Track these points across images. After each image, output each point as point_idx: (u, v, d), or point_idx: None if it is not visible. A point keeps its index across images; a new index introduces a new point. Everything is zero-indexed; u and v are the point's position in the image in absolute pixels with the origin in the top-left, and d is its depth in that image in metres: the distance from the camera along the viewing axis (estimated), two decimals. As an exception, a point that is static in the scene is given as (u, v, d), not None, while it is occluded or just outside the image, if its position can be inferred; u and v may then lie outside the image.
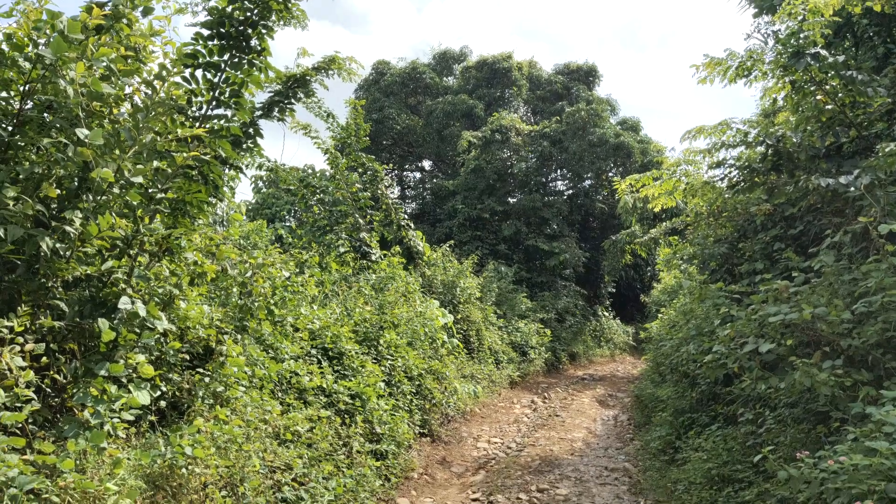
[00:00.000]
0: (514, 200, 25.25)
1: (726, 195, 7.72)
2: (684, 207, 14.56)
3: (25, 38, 3.93)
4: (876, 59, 7.66)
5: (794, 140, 6.32)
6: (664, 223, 16.13)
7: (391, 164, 27.89)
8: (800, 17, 5.94)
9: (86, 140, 3.55)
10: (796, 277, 5.76)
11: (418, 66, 28.95)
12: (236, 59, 5.20)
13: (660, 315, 15.07)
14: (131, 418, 4.19)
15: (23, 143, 3.95)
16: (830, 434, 5.29)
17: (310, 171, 15.19)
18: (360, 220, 13.55)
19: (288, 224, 18.15)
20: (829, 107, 6.30)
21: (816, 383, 5.00)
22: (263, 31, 5.20)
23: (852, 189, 5.33)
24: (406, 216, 16.60)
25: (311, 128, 14.50)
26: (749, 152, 7.07)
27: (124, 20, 4.87)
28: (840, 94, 6.11)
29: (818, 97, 6.30)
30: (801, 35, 5.91)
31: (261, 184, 18.87)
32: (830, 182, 5.48)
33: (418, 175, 31.06)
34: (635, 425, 12.61)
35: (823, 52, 5.83)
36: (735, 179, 7.34)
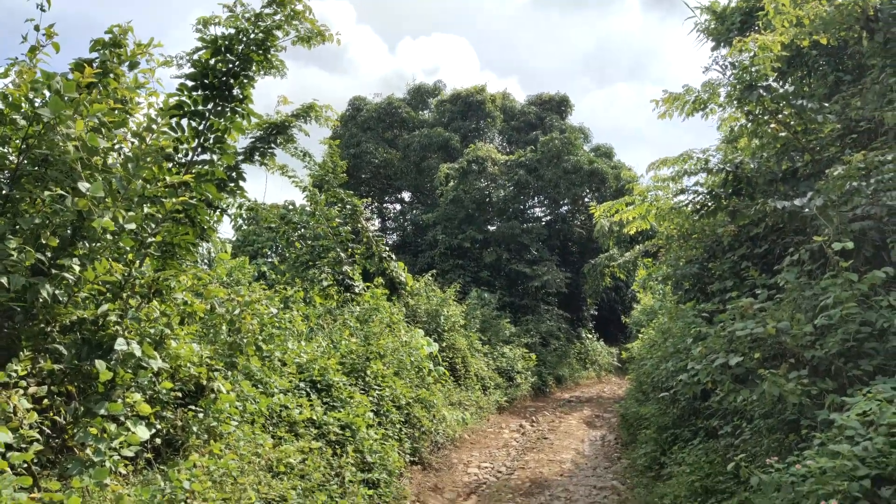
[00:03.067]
0: (494, 228, 25.62)
1: (693, 219, 8.08)
2: (657, 230, 15.01)
3: (21, 97, 4.17)
4: (827, 87, 8.13)
5: (752, 166, 6.71)
6: (640, 245, 16.55)
7: (371, 197, 28.20)
8: (751, 53, 6.35)
9: (86, 193, 3.78)
10: (760, 294, 6.09)
11: (394, 101, 29.47)
12: (220, 108, 5.47)
13: (640, 335, 15.38)
14: (131, 454, 4.35)
15: (20, 196, 4.17)
16: (801, 441, 5.55)
17: (290, 206, 15.40)
18: (342, 254, 13.77)
19: (270, 260, 18.29)
20: (783, 134, 6.71)
21: (784, 393, 5.28)
22: (245, 80, 5.48)
23: (807, 210, 5.69)
24: (387, 248, 16.83)
25: (288, 167, 14.76)
26: (711, 178, 7.45)
27: (111, 74, 5.14)
28: (792, 122, 6.52)
29: (772, 126, 6.70)
30: (753, 69, 6.33)
31: (241, 221, 19.05)
32: (787, 204, 5.84)
33: (398, 207, 31.39)
34: (622, 444, 12.82)
35: (774, 85, 6.25)
36: (699, 204, 7.70)
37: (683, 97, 6.98)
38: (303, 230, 13.96)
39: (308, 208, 14.71)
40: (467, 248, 24.24)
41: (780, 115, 6.55)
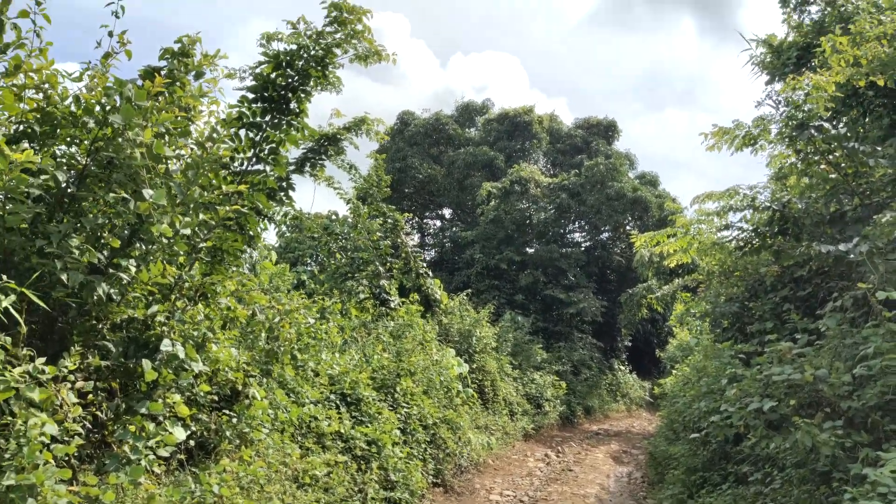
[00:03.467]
0: (532, 251, 25.57)
1: (736, 256, 7.98)
2: (699, 264, 14.79)
3: (94, 102, 4.40)
4: (882, 130, 7.98)
5: (800, 206, 6.61)
6: (680, 279, 16.32)
7: (412, 212, 28.46)
8: (804, 91, 6.29)
9: (149, 199, 3.97)
10: (800, 339, 5.97)
11: (441, 117, 29.80)
12: (276, 120, 5.67)
13: (674, 371, 15.12)
14: (167, 455, 4.49)
15: (84, 196, 4.38)
16: (832, 494, 5.41)
17: (334, 217, 15.69)
18: (381, 268, 13.93)
19: (310, 269, 18.60)
20: (833, 176, 6.61)
21: (818, 443, 5.16)
22: (303, 95, 5.68)
23: (852, 256, 5.59)
24: (424, 264, 16.96)
25: (334, 179, 15.06)
26: (757, 215, 7.36)
27: (178, 83, 5.38)
28: (843, 164, 6.42)
29: (822, 166, 6.61)
30: (806, 108, 6.27)
31: (285, 228, 19.44)
32: (832, 249, 5.75)
33: (438, 223, 31.62)
34: (649, 483, 12.57)
35: (827, 125, 6.16)
36: (743, 241, 7.61)
37: (733, 132, 6.93)
38: (344, 241, 14.18)
39: (350, 220, 14.96)
40: (504, 269, 24.23)
41: (831, 157, 6.46)
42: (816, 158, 6.61)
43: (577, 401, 21.46)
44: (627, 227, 26.55)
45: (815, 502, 5.60)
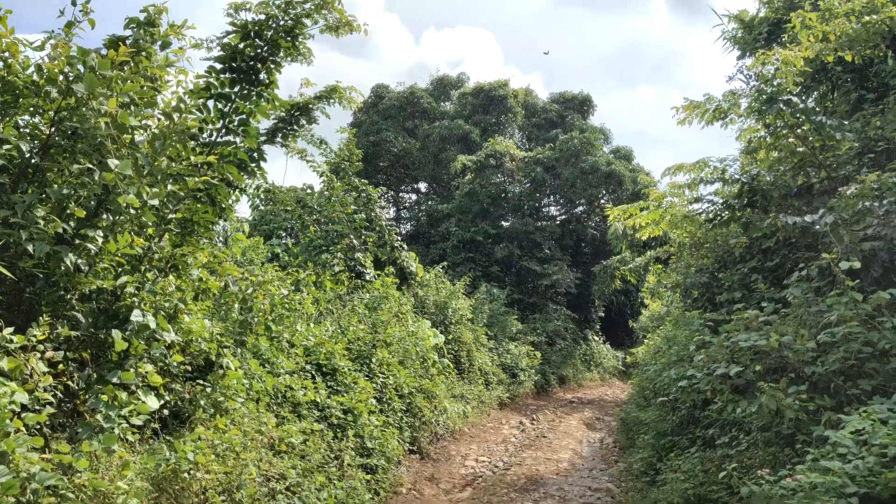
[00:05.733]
0: (508, 224, 25.68)
1: (706, 228, 8.11)
2: (670, 237, 15.01)
3: (57, 71, 4.30)
4: (849, 104, 8.12)
5: (768, 179, 6.73)
6: (652, 251, 16.55)
7: (387, 186, 28.31)
8: (774, 66, 6.37)
9: (115, 169, 3.91)
10: (766, 307, 6.13)
11: (416, 90, 29.53)
12: (245, 91, 5.59)
13: (646, 340, 15.41)
14: (140, 423, 4.49)
15: (48, 167, 4.30)
16: (795, 456, 5.61)
17: (308, 190, 15.56)
18: (355, 241, 13.90)
19: (284, 242, 18.49)
20: (801, 149, 6.73)
21: (782, 406, 5.34)
22: (272, 65, 5.60)
23: (817, 227, 5.72)
24: (399, 238, 16.96)
25: (307, 152, 14.92)
26: (726, 188, 7.48)
27: (143, 53, 5.26)
28: (811, 138, 6.53)
29: (790, 140, 6.72)
30: (775, 82, 6.35)
31: (258, 202, 19.24)
32: (798, 220, 5.88)
33: (414, 196, 31.52)
34: (620, 448, 12.88)
35: (795, 99, 6.26)
36: (713, 214, 7.74)
37: (704, 106, 7.00)
38: (318, 215, 14.10)
39: (321, 194, 14.86)
40: (480, 242, 24.32)
41: (799, 130, 6.57)
42: (785, 132, 6.71)
43: (552, 370, 21.80)
44: (602, 201, 26.74)
45: (780, 463, 5.81)
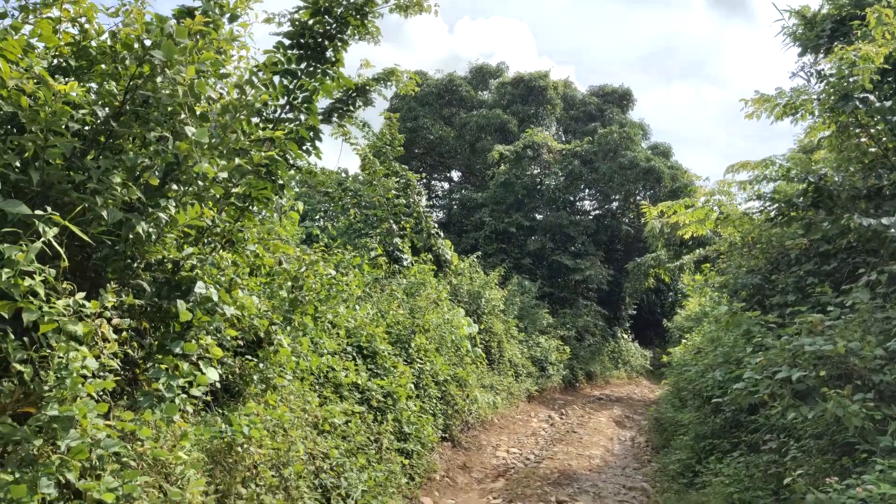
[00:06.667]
0: (541, 216, 25.46)
1: (763, 227, 7.89)
2: (713, 237, 14.68)
3: (133, 37, 4.27)
4: (920, 105, 7.81)
5: (836, 179, 6.50)
6: (691, 252, 16.23)
7: (421, 173, 28.25)
8: (849, 63, 6.13)
9: (192, 137, 3.87)
10: (832, 311, 5.93)
11: (455, 78, 29.35)
12: (311, 68, 5.52)
13: (684, 341, 15.16)
14: (199, 394, 4.48)
15: (123, 133, 4.28)
16: (856, 465, 5.43)
17: (344, 173, 15.54)
18: (394, 226, 13.86)
19: (318, 225, 18.52)
20: (873, 149, 6.48)
21: (847, 414, 5.16)
22: (339, 43, 5.52)
23: (893, 230, 5.50)
24: (435, 225, 16.88)
25: (351, 134, 14.89)
26: (787, 187, 7.25)
27: (212, 24, 5.22)
28: (884, 139, 6.28)
29: (862, 139, 6.47)
30: (851, 79, 6.11)
31: (294, 183, 19.29)
32: (872, 222, 5.66)
33: (446, 185, 31.41)
34: (653, 447, 12.71)
35: (871, 97, 6.02)
36: (773, 213, 7.51)
37: (774, 100, 6.77)
38: (357, 198, 14.07)
39: (364, 177, 14.82)
40: (512, 233, 24.16)
41: (872, 130, 6.32)
42: (857, 131, 6.47)
43: (580, 366, 21.63)
44: (638, 198, 26.38)
45: (836, 472, 5.64)
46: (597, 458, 11.88)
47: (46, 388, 3.57)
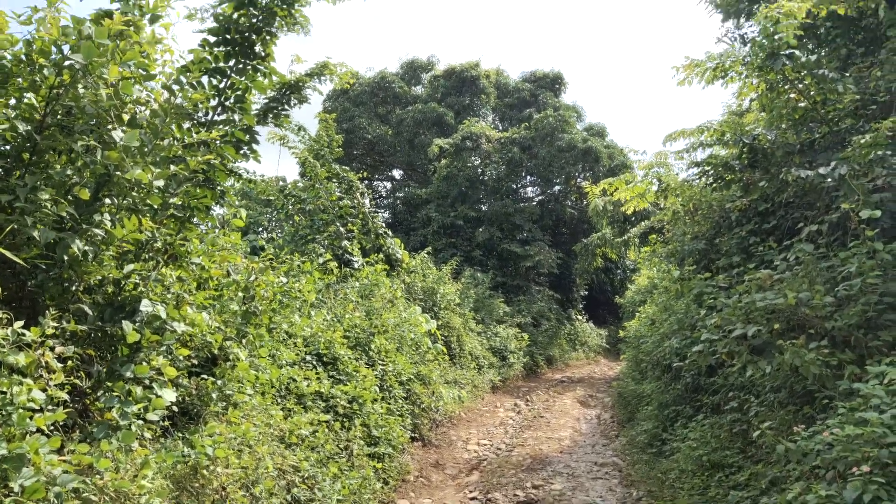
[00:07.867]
0: (487, 207, 25.56)
1: (706, 193, 8.06)
2: (655, 210, 14.99)
3: (50, 44, 4.00)
4: (839, 60, 8.12)
5: (769, 137, 6.68)
6: (636, 226, 16.56)
7: (363, 174, 27.95)
8: (775, 20, 6.31)
9: (120, 142, 3.64)
10: (778, 266, 6.09)
11: (387, 75, 29.15)
12: (241, 65, 5.31)
13: (637, 314, 15.45)
14: (156, 418, 4.26)
15: (48, 146, 4.01)
16: (818, 412, 5.59)
17: (282, 181, 15.19)
18: (342, 229, 13.63)
19: (263, 236, 18.07)
20: (802, 104, 6.70)
21: (804, 363, 5.30)
22: (268, 36, 5.32)
23: (829, 180, 5.68)
24: (383, 225, 16.71)
25: (288, 139, 14.57)
26: (725, 151, 7.42)
27: (132, 27, 4.96)
28: (812, 92, 6.50)
29: (791, 95, 6.68)
30: (776, 37, 6.28)
31: (234, 194, 18.77)
32: (810, 173, 5.83)
33: (389, 185, 31.21)
34: (619, 422, 12.91)
35: (797, 53, 6.21)
36: (711, 178, 7.68)
37: (704, 64, 6.92)
38: (301, 204, 13.78)
39: (304, 182, 14.53)
40: (460, 226, 24.17)
41: (799, 86, 6.53)
42: (786, 88, 6.67)
43: (539, 351, 21.82)
44: (578, 179, 26.77)
45: (799, 421, 5.79)
46: (566, 439, 11.98)
47: (-10, 427, 3.31)
